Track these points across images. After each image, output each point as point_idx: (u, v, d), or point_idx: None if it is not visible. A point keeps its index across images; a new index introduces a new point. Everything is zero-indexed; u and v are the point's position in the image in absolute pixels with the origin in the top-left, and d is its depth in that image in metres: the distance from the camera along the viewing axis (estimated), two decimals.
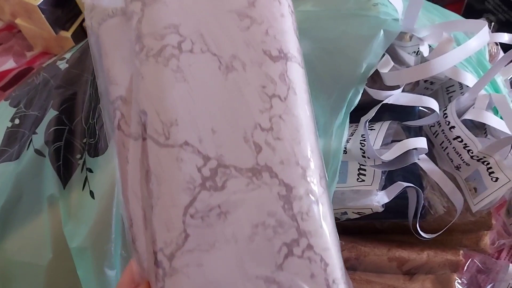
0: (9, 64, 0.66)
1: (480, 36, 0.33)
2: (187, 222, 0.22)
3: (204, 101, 0.23)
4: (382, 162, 0.35)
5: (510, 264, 0.42)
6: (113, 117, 0.25)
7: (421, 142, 0.34)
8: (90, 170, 0.34)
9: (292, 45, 0.25)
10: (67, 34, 0.61)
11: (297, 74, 0.25)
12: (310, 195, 0.23)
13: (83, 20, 0.62)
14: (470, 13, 0.56)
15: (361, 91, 0.34)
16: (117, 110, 0.24)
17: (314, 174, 0.24)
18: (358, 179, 0.36)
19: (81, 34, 0.63)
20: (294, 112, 0.24)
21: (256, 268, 0.22)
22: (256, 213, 0.22)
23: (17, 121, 0.39)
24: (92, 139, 0.35)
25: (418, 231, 0.39)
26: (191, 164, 0.22)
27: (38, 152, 0.36)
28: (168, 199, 0.22)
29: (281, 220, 0.22)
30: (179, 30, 0.24)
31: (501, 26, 0.52)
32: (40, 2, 0.57)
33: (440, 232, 0.39)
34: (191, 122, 0.23)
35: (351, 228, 0.45)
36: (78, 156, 0.35)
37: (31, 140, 0.37)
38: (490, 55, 0.45)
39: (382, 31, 0.33)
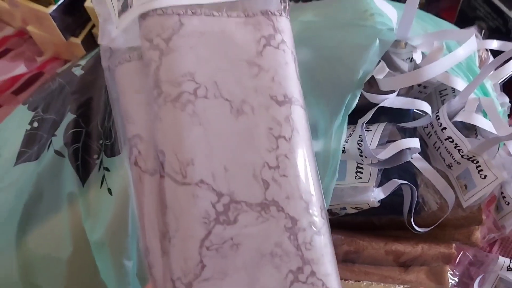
0: (20, 69, 0.68)
1: (468, 45, 0.35)
2: (203, 254, 0.24)
3: (217, 142, 0.25)
4: (378, 160, 0.37)
5: (499, 257, 0.45)
6: (130, 154, 0.27)
7: (414, 142, 0.37)
8: (107, 169, 0.37)
9: (295, 89, 0.28)
10: (77, 40, 0.64)
11: (299, 116, 0.27)
12: (313, 226, 0.26)
13: (93, 26, 0.65)
14: (462, 20, 0.58)
15: (358, 96, 0.36)
16: (134, 148, 0.26)
17: (316, 207, 0.26)
18: (356, 176, 0.39)
19: (90, 40, 0.65)
20: (297, 151, 0.26)
21: None
22: (265, 244, 0.25)
23: (35, 124, 0.42)
24: (108, 141, 0.38)
25: (412, 225, 0.42)
26: (206, 200, 0.24)
27: (58, 153, 0.38)
28: (186, 233, 0.24)
29: (287, 250, 0.25)
30: (194, 77, 0.26)
31: (491, 32, 0.55)
32: (51, 10, 0.59)
33: (433, 226, 0.42)
34: (206, 162, 0.25)
35: (350, 225, 0.48)
36: (95, 156, 0.38)
37: (50, 141, 0.39)
38: (481, 60, 0.48)
39: (377, 40, 0.36)
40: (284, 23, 0.29)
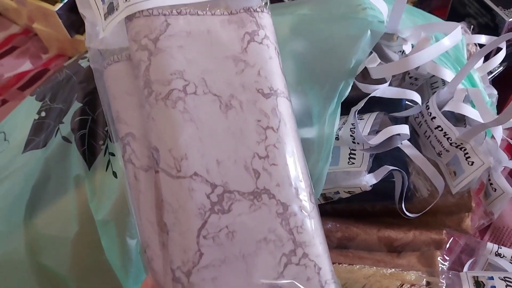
0: (26, 66, 0.70)
1: (453, 35, 0.37)
2: (200, 243, 0.25)
3: (209, 137, 0.26)
4: (370, 146, 0.39)
5: (488, 243, 0.46)
6: (124, 152, 0.28)
7: (404, 129, 0.39)
8: (113, 154, 0.38)
9: (280, 82, 0.29)
10: (82, 37, 0.66)
11: (285, 107, 0.28)
12: (303, 210, 0.27)
13: None
14: (453, 17, 0.61)
15: (351, 84, 0.38)
16: (127, 146, 0.27)
17: (305, 192, 0.27)
18: (348, 162, 0.40)
19: None
20: (285, 140, 0.28)
21: (262, 277, 0.26)
22: (259, 230, 0.26)
23: (43, 114, 0.44)
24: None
25: (404, 211, 0.44)
26: (201, 192, 0.26)
27: (65, 139, 0.40)
28: (183, 224, 0.25)
29: (280, 234, 0.26)
30: (183, 75, 0.27)
31: (481, 28, 0.57)
32: (58, 8, 0.62)
33: (424, 211, 0.44)
34: (199, 156, 0.26)
35: (345, 212, 0.50)
36: (101, 142, 0.39)
37: (58, 128, 0.41)
38: (470, 54, 0.50)
39: (369, 31, 0.38)
40: (266, 19, 0.30)
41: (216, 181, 0.26)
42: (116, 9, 0.28)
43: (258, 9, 0.30)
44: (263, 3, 0.30)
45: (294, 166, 0.28)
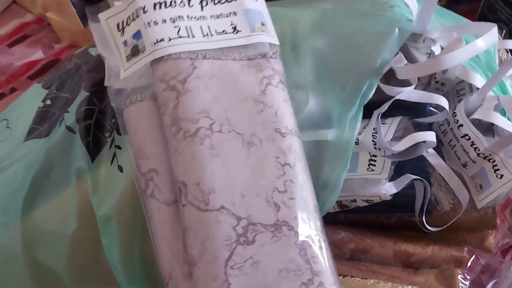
0: (37, 55, 0.69)
1: (489, 36, 0.35)
2: (228, 273, 0.26)
3: (234, 172, 0.28)
4: (392, 153, 0.36)
5: None
6: (146, 187, 0.29)
7: (430, 136, 0.36)
8: (119, 147, 0.36)
9: (293, 122, 0.31)
10: None
11: (299, 145, 0.31)
12: (317, 241, 0.29)
13: None
14: None
15: (375, 85, 0.36)
16: (150, 181, 0.29)
17: (317, 225, 0.29)
18: (368, 168, 0.38)
19: None
20: (300, 176, 0.30)
21: None
22: (280, 260, 0.27)
23: (48, 102, 0.42)
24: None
25: (424, 224, 0.41)
26: (228, 224, 0.27)
27: (69, 129, 0.38)
28: (211, 255, 0.27)
29: (299, 264, 0.27)
30: (209, 114, 0.29)
31: None
32: None
33: (446, 226, 0.41)
34: (225, 190, 0.28)
35: (359, 223, 0.47)
36: (107, 134, 0.37)
37: (62, 118, 0.39)
38: (501, 61, 0.47)
39: (397, 28, 0.35)
40: (279, 65, 0.33)
41: (241, 214, 0.28)
42: (142, 52, 0.30)
43: (272, 56, 0.33)
44: (274, 51, 0.33)
45: (309, 201, 0.30)
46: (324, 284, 0.28)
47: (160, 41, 0.30)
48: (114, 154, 0.36)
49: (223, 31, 0.32)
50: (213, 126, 0.29)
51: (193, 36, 0.31)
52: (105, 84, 0.32)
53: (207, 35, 0.31)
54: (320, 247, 0.28)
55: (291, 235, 0.28)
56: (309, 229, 0.28)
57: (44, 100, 0.42)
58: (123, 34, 0.31)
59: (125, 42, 0.31)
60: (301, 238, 0.28)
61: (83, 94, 0.40)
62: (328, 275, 0.28)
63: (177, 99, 0.29)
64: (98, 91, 0.40)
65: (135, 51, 0.31)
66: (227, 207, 0.27)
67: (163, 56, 0.30)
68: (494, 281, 0.44)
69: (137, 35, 0.30)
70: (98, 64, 0.42)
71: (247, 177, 0.28)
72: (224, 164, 0.28)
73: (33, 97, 0.43)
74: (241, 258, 0.27)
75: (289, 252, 0.27)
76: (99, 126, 0.38)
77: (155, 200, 0.29)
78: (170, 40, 0.30)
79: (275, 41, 0.33)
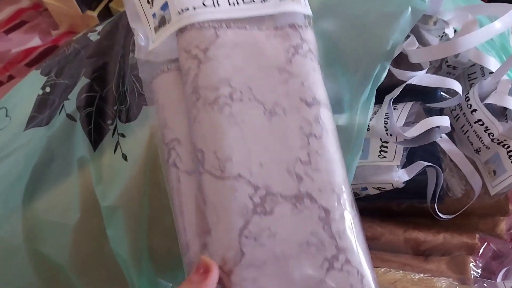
0: (35, 41, 0.67)
1: (506, 18, 0.33)
2: (242, 242, 0.25)
3: (253, 141, 0.27)
4: (405, 139, 0.35)
5: None
6: (168, 156, 0.29)
7: (444, 121, 0.35)
8: (123, 135, 0.35)
9: (322, 92, 0.30)
10: (93, 13, 0.63)
11: (328, 117, 0.29)
12: (345, 217, 0.27)
13: (110, 0, 0.64)
14: None
15: (387, 68, 0.34)
16: (172, 150, 0.28)
17: (347, 200, 0.28)
18: (379, 155, 0.37)
19: (106, 13, 0.64)
20: (328, 148, 0.28)
21: (303, 281, 0.25)
22: (300, 233, 0.26)
23: (48, 89, 0.41)
24: (123, 106, 0.36)
25: (436, 211, 0.40)
26: (244, 193, 0.26)
27: (69, 116, 0.37)
28: (226, 223, 0.26)
29: (322, 239, 0.26)
30: (230, 83, 0.28)
31: None
32: None
33: (458, 213, 0.40)
34: (242, 158, 0.27)
35: (368, 210, 0.46)
36: (109, 122, 0.36)
37: (63, 105, 0.38)
38: None
39: (410, 8, 0.34)
40: (309, 35, 0.31)
41: (259, 183, 0.26)
42: (168, 22, 0.30)
43: (302, 25, 0.31)
44: (307, 21, 0.31)
45: (336, 173, 0.28)
46: (351, 262, 0.26)
47: (185, 10, 0.29)
48: (118, 142, 0.35)
49: (251, 0, 0.30)
50: (233, 95, 0.28)
51: (219, 5, 0.30)
52: (135, 56, 0.32)
53: (234, 4, 0.30)
54: (348, 223, 0.27)
55: (313, 208, 0.26)
56: (335, 203, 0.27)
57: (43, 87, 0.41)
58: (152, 7, 0.31)
59: (154, 15, 0.31)
60: (325, 212, 0.26)
61: (83, 81, 0.38)
62: (356, 253, 0.26)
63: (198, 67, 0.28)
64: (99, 77, 0.38)
65: (162, 22, 0.30)
66: (244, 175, 0.26)
67: (187, 26, 0.29)
68: (507, 268, 0.43)
69: (165, 6, 0.30)
70: (98, 49, 0.41)
71: (268, 147, 0.27)
72: (243, 133, 0.27)
73: (32, 84, 0.42)
74: (257, 228, 0.26)
75: (311, 225, 0.26)
76: (100, 113, 0.37)
77: (176, 169, 0.28)
78: (194, 9, 0.29)
79: (307, 10, 0.31)
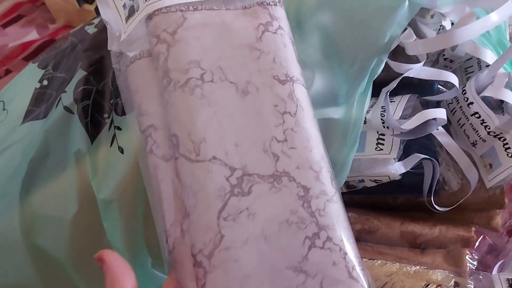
0: (32, 35, 0.67)
1: (502, 10, 0.33)
2: (221, 224, 0.25)
3: (227, 121, 0.27)
4: (401, 131, 0.35)
5: None
6: (146, 143, 0.28)
7: (440, 113, 0.35)
8: (119, 128, 0.35)
9: (295, 69, 0.29)
10: (91, 7, 0.62)
11: (302, 93, 0.29)
12: (325, 194, 0.27)
13: None
14: None
15: (384, 61, 0.34)
16: (149, 137, 0.28)
17: (326, 176, 0.27)
18: (376, 148, 0.37)
19: None
20: (303, 125, 0.28)
21: (285, 260, 0.25)
22: (280, 212, 0.26)
23: (45, 82, 0.41)
24: (119, 99, 0.36)
25: (433, 205, 0.40)
26: (220, 174, 0.26)
27: (67, 109, 0.37)
28: (203, 206, 0.25)
29: (302, 216, 0.26)
30: (200, 64, 0.28)
31: None
32: None
33: (454, 206, 0.40)
34: (217, 140, 0.27)
35: (364, 204, 0.46)
36: (106, 115, 0.36)
37: (60, 98, 0.38)
38: (511, 37, 0.46)
39: (407, 1, 0.34)
40: (279, 12, 0.31)
41: (235, 164, 0.26)
42: (137, 11, 0.30)
43: (271, 3, 0.31)
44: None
45: (314, 150, 0.28)
46: (333, 239, 0.25)
47: None
48: (114, 135, 0.35)
49: None
50: (204, 75, 0.28)
51: None
52: (108, 47, 0.32)
53: None
54: (328, 200, 0.26)
55: (292, 186, 0.26)
56: (314, 180, 0.27)
57: (41, 81, 0.41)
58: None
59: (124, 5, 0.31)
60: (304, 189, 0.26)
61: (80, 74, 0.38)
62: (337, 230, 0.26)
63: (167, 51, 0.28)
64: (96, 70, 0.38)
65: (132, 12, 0.30)
66: (219, 157, 0.26)
67: (154, 11, 0.29)
68: (501, 261, 0.43)
69: None
70: (95, 43, 0.41)
71: (242, 126, 0.27)
72: (217, 113, 0.27)
73: (29, 78, 0.42)
74: (235, 209, 0.25)
75: (290, 203, 0.26)
76: (97, 107, 0.36)
77: (153, 156, 0.28)
78: None
79: None
